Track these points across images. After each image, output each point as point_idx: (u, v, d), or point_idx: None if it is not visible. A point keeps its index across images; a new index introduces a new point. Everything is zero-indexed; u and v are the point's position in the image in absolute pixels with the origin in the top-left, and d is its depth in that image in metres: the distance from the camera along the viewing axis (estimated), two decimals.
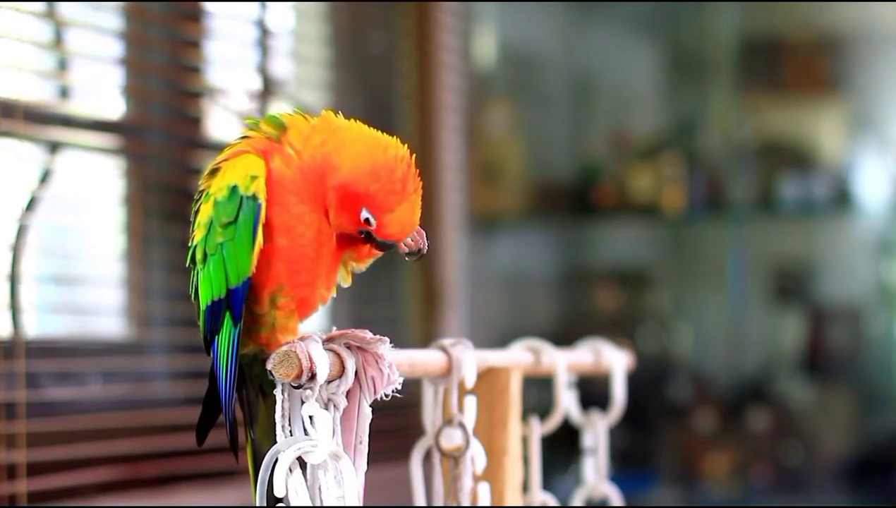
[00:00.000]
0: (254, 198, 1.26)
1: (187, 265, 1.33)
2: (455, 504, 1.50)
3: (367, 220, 1.28)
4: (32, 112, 2.16)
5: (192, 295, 1.33)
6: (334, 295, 1.36)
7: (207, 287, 1.29)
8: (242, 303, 1.27)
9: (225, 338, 1.28)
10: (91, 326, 2.41)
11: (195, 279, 1.31)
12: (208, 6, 2.61)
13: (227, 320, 1.28)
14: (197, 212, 1.31)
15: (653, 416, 3.75)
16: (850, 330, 3.72)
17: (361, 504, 1.27)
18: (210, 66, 2.62)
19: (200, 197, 1.32)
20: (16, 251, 2.11)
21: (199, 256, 1.30)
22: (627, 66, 3.99)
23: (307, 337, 1.26)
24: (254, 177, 1.27)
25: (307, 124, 1.31)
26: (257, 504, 1.26)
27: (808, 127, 3.80)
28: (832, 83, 3.82)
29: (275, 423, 1.27)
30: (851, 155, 3.70)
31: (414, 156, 1.31)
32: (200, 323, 1.31)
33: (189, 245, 1.32)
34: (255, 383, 1.35)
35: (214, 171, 1.31)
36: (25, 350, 2.06)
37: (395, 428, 2.29)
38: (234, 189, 1.27)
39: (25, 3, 2.19)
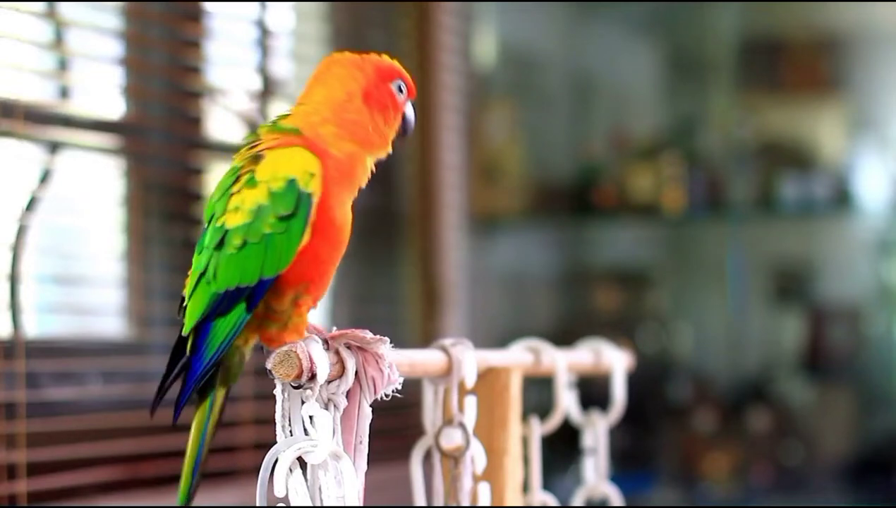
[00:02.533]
0: (310, 195, 1.27)
1: (206, 245, 1.30)
2: (455, 504, 1.50)
3: (399, 87, 1.35)
4: (32, 112, 2.16)
5: (198, 274, 1.30)
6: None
7: (235, 272, 1.27)
8: (263, 295, 1.27)
9: (229, 324, 1.28)
10: (91, 326, 2.41)
11: (212, 260, 1.29)
12: (208, 6, 2.61)
13: (241, 308, 1.28)
14: (230, 192, 1.29)
15: (653, 416, 3.75)
16: (850, 330, 3.72)
17: (361, 505, 1.27)
18: (210, 66, 2.62)
19: (238, 178, 1.30)
20: (16, 251, 2.11)
21: (235, 240, 1.28)
22: (627, 66, 3.99)
23: (307, 338, 1.27)
24: (312, 174, 1.28)
25: (307, 119, 1.33)
26: (257, 505, 1.26)
27: (808, 127, 3.80)
28: (832, 83, 3.82)
29: (209, 415, 1.28)
30: (851, 155, 3.70)
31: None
32: (198, 301, 1.30)
33: (215, 225, 1.29)
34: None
35: (257, 158, 1.30)
36: (25, 350, 2.06)
37: (395, 428, 2.29)
38: (292, 182, 1.27)
39: (25, 3, 2.19)
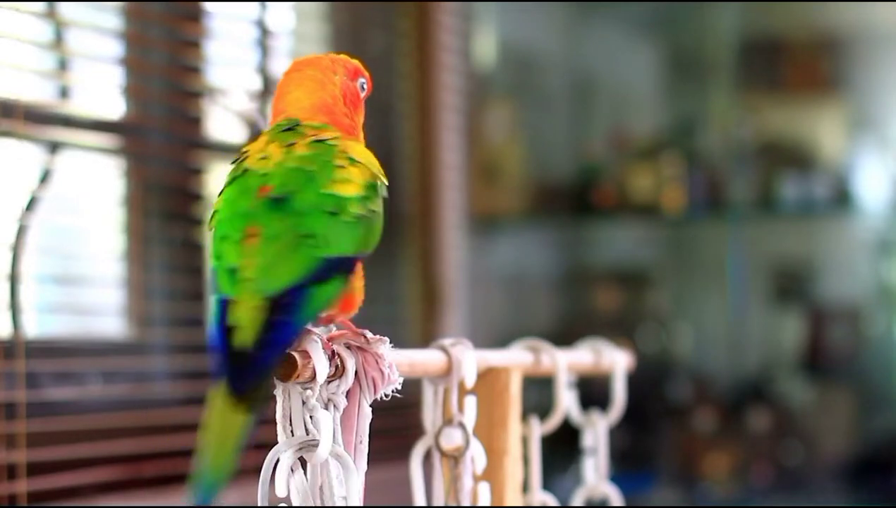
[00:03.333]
0: None
1: (312, 209, 1.27)
2: (455, 504, 1.50)
3: (362, 85, 1.39)
4: (32, 112, 2.16)
5: (297, 236, 1.25)
6: None
7: (349, 240, 1.28)
8: (353, 270, 1.29)
9: (327, 294, 1.26)
10: (91, 326, 2.41)
11: (325, 223, 1.26)
12: (208, 6, 2.61)
13: (340, 279, 1.27)
14: (333, 164, 1.29)
15: (653, 416, 3.75)
16: (850, 330, 3.72)
17: (362, 505, 1.27)
18: (210, 66, 2.62)
19: (336, 153, 1.30)
20: (16, 251, 2.11)
21: (353, 209, 1.28)
22: (627, 66, 4.00)
23: (307, 337, 1.26)
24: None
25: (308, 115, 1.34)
26: (258, 505, 1.26)
27: (808, 127, 3.80)
28: (832, 83, 3.82)
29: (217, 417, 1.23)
30: (851, 155, 3.71)
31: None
32: (298, 264, 1.23)
33: (321, 190, 1.27)
34: None
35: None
36: (25, 350, 2.06)
37: (395, 428, 2.29)
38: (376, 173, 1.32)
39: (25, 3, 2.19)
